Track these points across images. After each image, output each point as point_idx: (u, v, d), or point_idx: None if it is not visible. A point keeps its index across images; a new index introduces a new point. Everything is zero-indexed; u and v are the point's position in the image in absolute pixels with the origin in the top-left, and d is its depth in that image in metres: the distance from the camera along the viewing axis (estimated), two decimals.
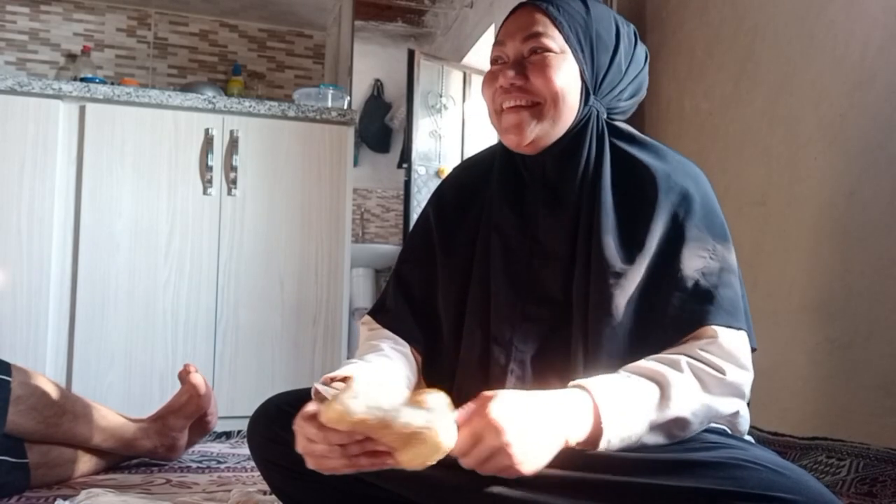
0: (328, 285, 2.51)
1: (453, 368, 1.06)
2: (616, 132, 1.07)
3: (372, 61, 4.66)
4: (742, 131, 2.08)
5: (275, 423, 1.10)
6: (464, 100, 4.20)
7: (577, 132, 1.03)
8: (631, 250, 0.96)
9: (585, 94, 1.03)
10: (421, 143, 3.97)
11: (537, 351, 1.00)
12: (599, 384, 0.86)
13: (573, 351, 0.98)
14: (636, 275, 0.95)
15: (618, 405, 0.85)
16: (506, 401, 0.79)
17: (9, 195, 2.23)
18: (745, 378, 0.94)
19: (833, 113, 1.78)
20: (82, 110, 2.32)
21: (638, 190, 1.00)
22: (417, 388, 1.08)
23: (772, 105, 1.98)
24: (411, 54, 4.00)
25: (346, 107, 2.80)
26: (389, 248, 4.41)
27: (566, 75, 1.01)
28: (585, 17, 1.02)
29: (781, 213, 1.91)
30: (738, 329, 0.94)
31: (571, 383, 0.88)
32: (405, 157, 4.07)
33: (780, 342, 1.82)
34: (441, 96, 4.09)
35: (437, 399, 0.78)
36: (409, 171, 3.92)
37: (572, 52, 1.01)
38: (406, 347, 1.09)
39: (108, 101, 2.34)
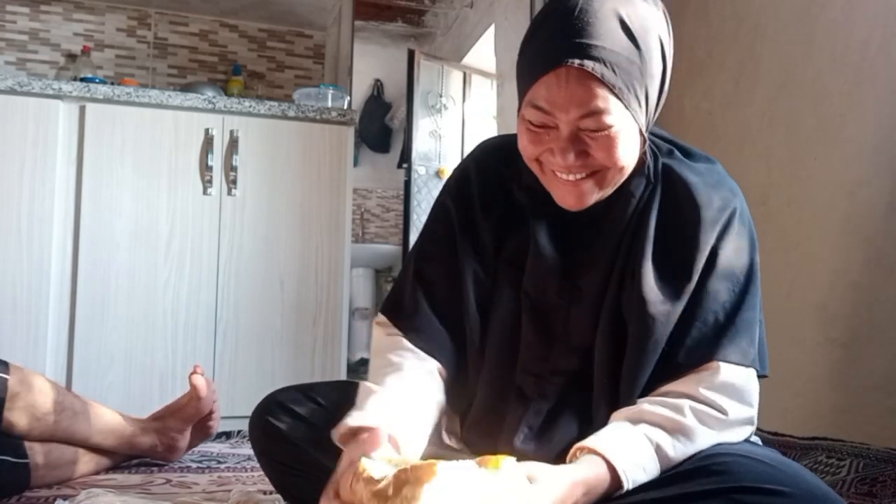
0: (328, 285, 2.51)
1: (473, 395, 1.02)
2: (665, 153, 1.00)
3: (372, 61, 4.67)
4: (742, 131, 2.08)
5: (276, 419, 1.10)
6: (464, 100, 4.21)
7: (632, 173, 0.96)
8: (670, 293, 0.93)
9: (642, 139, 0.94)
10: (421, 143, 3.98)
11: (558, 401, 0.98)
12: (610, 443, 0.86)
13: (595, 399, 0.96)
14: (674, 316, 0.92)
15: (635, 464, 0.85)
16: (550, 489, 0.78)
17: (9, 195, 2.23)
18: (748, 414, 0.94)
19: (833, 113, 1.78)
20: (82, 110, 2.32)
21: (680, 221, 0.95)
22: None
23: (772, 105, 1.98)
24: (411, 54, 4.01)
25: (346, 107, 2.80)
26: (389, 248, 4.42)
27: (630, 142, 0.90)
28: (639, 62, 0.87)
29: (781, 213, 1.91)
30: (748, 367, 0.93)
31: (576, 447, 0.87)
32: (405, 157, 4.08)
33: (780, 342, 1.82)
34: (441, 96, 4.09)
35: (511, 468, 0.72)
36: (409, 171, 3.93)
37: (632, 114, 0.88)
38: (430, 361, 1.01)
39: (108, 101, 2.34)
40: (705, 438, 0.89)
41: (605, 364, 0.95)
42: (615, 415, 0.92)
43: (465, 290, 1.02)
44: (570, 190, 0.92)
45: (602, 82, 0.85)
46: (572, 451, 0.88)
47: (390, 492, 0.66)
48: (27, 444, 1.49)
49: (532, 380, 0.98)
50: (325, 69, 3.39)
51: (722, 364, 0.91)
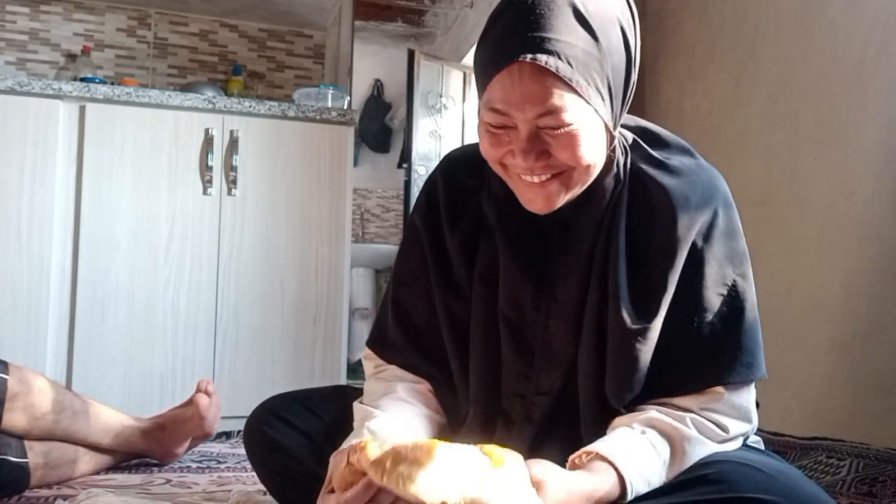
0: (328, 285, 2.51)
1: (465, 410, 1.00)
2: (632, 146, 0.95)
3: (372, 61, 4.66)
4: (742, 131, 2.08)
5: (270, 429, 1.09)
6: (464, 100, 4.21)
7: (601, 173, 0.91)
8: (648, 306, 0.89)
9: (609, 136, 0.89)
10: (421, 143, 3.97)
11: (543, 424, 0.95)
12: (621, 451, 0.84)
13: (583, 419, 0.94)
14: (655, 330, 0.89)
15: (641, 477, 0.84)
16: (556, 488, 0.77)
17: (9, 195, 2.23)
18: (747, 429, 0.93)
19: (833, 113, 1.78)
20: (82, 110, 2.32)
21: (654, 223, 0.91)
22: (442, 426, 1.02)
23: (772, 105, 1.98)
24: (411, 54, 4.01)
25: (346, 107, 2.80)
26: (389, 248, 4.41)
27: (593, 140, 0.85)
28: (597, 53, 0.82)
29: (781, 213, 1.91)
30: (749, 382, 0.91)
31: (582, 451, 0.85)
32: (405, 157, 4.08)
33: (780, 342, 1.82)
34: (441, 96, 4.09)
35: (515, 466, 0.72)
36: (409, 171, 3.92)
37: (594, 108, 0.83)
38: (422, 384, 1.02)
39: (108, 101, 2.34)
40: (706, 450, 0.89)
41: (590, 379, 0.92)
42: (620, 419, 0.90)
43: (440, 319, 1.00)
44: (537, 192, 0.87)
45: (558, 77, 0.80)
46: (579, 453, 0.86)
47: (388, 464, 0.67)
48: (27, 443, 1.49)
49: (518, 401, 0.96)
50: (325, 69, 3.39)
51: (726, 389, 0.89)
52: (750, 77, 2.06)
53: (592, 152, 0.85)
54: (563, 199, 0.88)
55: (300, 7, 3.20)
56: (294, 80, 3.33)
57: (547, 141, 0.84)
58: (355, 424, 0.95)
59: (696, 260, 0.90)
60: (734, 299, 0.91)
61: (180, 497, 1.45)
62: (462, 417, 1.00)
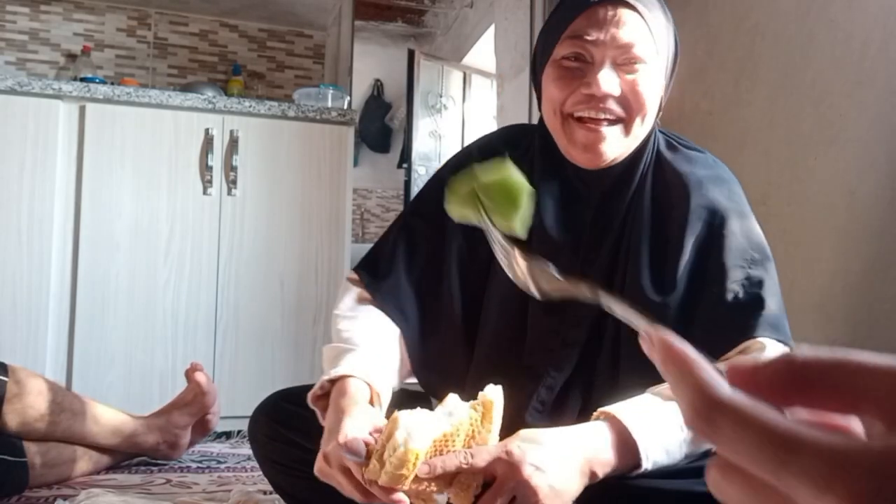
0: (328, 285, 2.51)
1: (458, 370, 1.00)
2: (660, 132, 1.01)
3: (372, 61, 4.66)
4: (742, 131, 2.08)
5: (276, 421, 1.09)
6: (464, 100, 4.20)
7: (640, 147, 0.96)
8: (664, 281, 0.91)
9: (660, 102, 0.95)
10: (421, 143, 3.97)
11: (572, 373, 0.95)
12: (628, 410, 0.82)
13: (603, 376, 0.94)
14: (673, 302, 0.90)
15: (651, 426, 0.81)
16: (526, 440, 0.76)
17: (9, 195, 2.23)
18: None
19: (833, 113, 1.78)
20: (82, 110, 2.32)
21: (671, 205, 0.94)
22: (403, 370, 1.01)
23: (772, 105, 1.98)
24: (411, 54, 4.01)
25: (346, 107, 2.80)
26: None
27: (655, 92, 0.92)
28: (667, 25, 0.93)
29: (781, 213, 1.91)
30: (785, 343, 0.90)
31: (598, 412, 0.83)
32: (405, 157, 4.08)
33: None
34: (441, 96, 4.09)
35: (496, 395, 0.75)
36: (409, 171, 3.93)
37: (659, 62, 0.91)
38: (396, 329, 1.01)
39: (108, 101, 2.34)
40: None
41: (614, 341, 0.93)
42: (652, 389, 0.88)
43: (448, 265, 1.00)
44: (595, 136, 0.90)
45: (642, 17, 0.88)
46: (595, 415, 0.84)
47: (376, 462, 0.72)
48: (25, 443, 1.49)
49: (542, 355, 0.96)
50: (325, 69, 3.39)
51: (761, 340, 0.87)
52: (750, 77, 2.06)
53: (651, 103, 0.90)
54: (615, 150, 0.91)
55: (300, 7, 3.20)
56: (294, 80, 3.33)
57: (621, 77, 0.89)
58: (327, 361, 0.94)
59: (715, 234, 0.92)
60: (755, 269, 0.92)
61: (180, 497, 1.45)
62: (437, 369, 1.00)
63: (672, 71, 0.95)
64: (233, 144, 2.43)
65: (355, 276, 1.06)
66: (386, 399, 0.91)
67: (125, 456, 1.74)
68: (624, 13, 0.88)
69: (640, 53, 0.88)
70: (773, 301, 0.91)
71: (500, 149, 1.00)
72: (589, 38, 0.88)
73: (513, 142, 1.02)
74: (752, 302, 0.90)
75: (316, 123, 2.55)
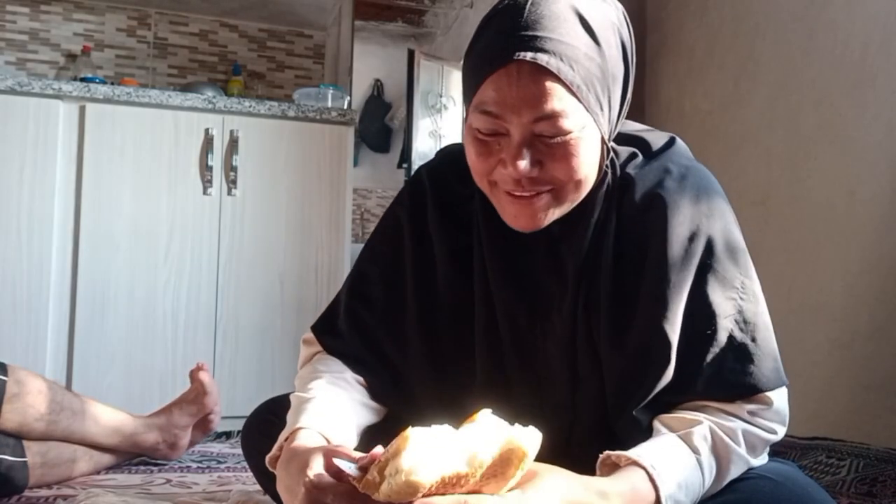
0: (328, 285, 2.51)
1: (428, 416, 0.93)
2: (618, 155, 0.89)
3: (372, 61, 4.65)
4: (742, 131, 2.08)
5: (267, 436, 1.06)
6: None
7: (592, 189, 0.85)
8: (637, 321, 0.83)
9: (605, 149, 0.84)
10: (421, 143, 3.98)
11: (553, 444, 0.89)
12: (655, 456, 0.76)
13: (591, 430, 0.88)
14: (655, 344, 0.83)
15: (677, 483, 0.76)
16: (560, 482, 0.69)
17: (9, 195, 2.23)
18: (783, 431, 0.89)
19: (833, 113, 1.78)
20: (82, 110, 2.32)
21: (646, 236, 0.84)
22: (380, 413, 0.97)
23: (772, 105, 1.98)
24: (411, 54, 4.01)
25: (346, 107, 2.80)
26: None
27: (589, 152, 0.79)
28: (599, 60, 0.77)
29: (781, 213, 1.91)
30: (785, 385, 0.86)
31: (631, 454, 0.76)
32: (405, 157, 4.08)
33: (780, 342, 1.82)
34: (441, 96, 4.09)
35: (489, 418, 0.68)
36: (409, 171, 3.93)
37: (592, 117, 0.78)
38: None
39: (108, 101, 2.34)
40: (746, 465, 0.84)
41: (594, 401, 0.87)
42: (663, 419, 0.83)
43: (408, 321, 0.94)
44: (523, 208, 0.80)
45: (559, 79, 0.74)
46: (604, 456, 0.78)
47: (376, 475, 0.65)
48: (25, 443, 1.49)
49: (529, 410, 0.87)
50: (325, 69, 3.39)
51: (769, 394, 0.84)
52: (750, 77, 2.06)
53: (587, 166, 0.80)
54: (550, 216, 0.82)
55: (300, 7, 3.20)
56: (294, 80, 3.33)
57: (541, 150, 0.78)
58: (288, 419, 0.89)
59: (698, 269, 0.84)
60: (746, 300, 0.85)
61: (180, 497, 1.45)
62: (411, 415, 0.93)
63: (626, 82, 0.83)
64: (233, 144, 2.43)
65: (312, 339, 1.01)
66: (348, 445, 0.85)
67: (125, 456, 1.74)
68: (540, 81, 0.74)
69: (564, 125, 0.76)
70: (766, 338, 0.86)
71: (451, 182, 0.95)
72: (497, 114, 0.77)
73: (464, 176, 0.89)
74: (750, 345, 0.84)
75: (316, 123, 2.55)
